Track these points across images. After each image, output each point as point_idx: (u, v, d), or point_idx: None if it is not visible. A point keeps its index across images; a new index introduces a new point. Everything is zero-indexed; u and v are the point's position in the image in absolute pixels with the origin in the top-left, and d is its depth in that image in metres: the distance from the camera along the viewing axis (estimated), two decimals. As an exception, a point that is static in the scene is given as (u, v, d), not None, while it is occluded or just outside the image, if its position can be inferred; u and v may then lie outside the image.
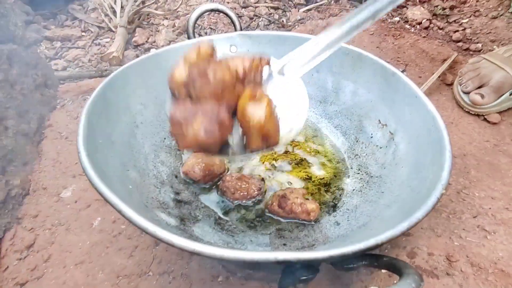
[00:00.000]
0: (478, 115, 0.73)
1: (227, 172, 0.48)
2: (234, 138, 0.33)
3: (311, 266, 0.25)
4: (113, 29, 1.00)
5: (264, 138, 0.32)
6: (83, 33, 1.01)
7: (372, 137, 0.50)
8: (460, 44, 0.98)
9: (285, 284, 0.24)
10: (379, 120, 0.50)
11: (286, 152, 0.52)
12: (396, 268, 0.26)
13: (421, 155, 0.40)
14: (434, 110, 0.40)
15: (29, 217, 0.55)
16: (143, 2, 1.06)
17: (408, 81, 0.45)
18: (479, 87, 0.73)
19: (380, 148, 0.48)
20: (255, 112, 0.30)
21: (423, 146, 0.40)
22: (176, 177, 0.46)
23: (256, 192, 0.44)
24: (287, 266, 0.26)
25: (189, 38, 0.57)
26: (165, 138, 0.51)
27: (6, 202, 0.53)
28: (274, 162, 0.51)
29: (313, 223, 0.42)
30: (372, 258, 0.28)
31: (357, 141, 0.52)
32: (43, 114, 0.71)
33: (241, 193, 0.43)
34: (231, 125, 0.31)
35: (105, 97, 0.41)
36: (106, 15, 1.04)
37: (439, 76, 0.81)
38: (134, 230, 0.53)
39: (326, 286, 0.44)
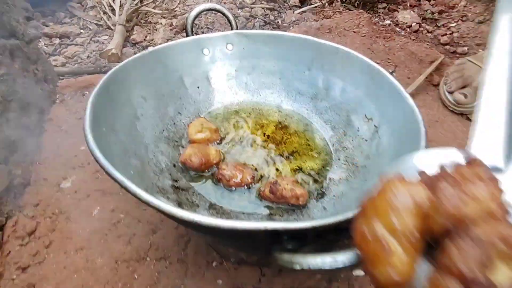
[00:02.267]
0: (461, 114, 0.77)
1: (223, 161, 0.51)
2: None
3: (299, 238, 0.28)
4: (112, 27, 1.02)
5: None
6: (82, 31, 1.03)
7: (358, 130, 0.53)
8: (447, 47, 1.02)
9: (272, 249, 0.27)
10: (365, 115, 0.53)
11: (278, 144, 0.55)
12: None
13: (401, 146, 0.43)
14: (413, 104, 0.43)
15: (30, 206, 0.57)
16: (141, 1, 1.08)
17: (391, 78, 0.48)
18: (463, 87, 0.76)
19: (366, 140, 0.51)
20: None
21: (403, 138, 0.43)
22: (174, 166, 0.49)
23: (249, 180, 0.47)
24: (275, 237, 0.28)
25: (187, 35, 0.59)
26: (163, 130, 0.53)
27: (8, 190, 0.55)
28: (267, 152, 0.53)
29: (302, 208, 0.45)
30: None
31: (345, 135, 0.55)
32: (43, 108, 0.73)
33: (236, 181, 0.46)
34: None
35: (108, 89, 0.43)
36: (105, 13, 1.06)
37: (426, 77, 0.85)
38: (133, 218, 0.56)
39: None
